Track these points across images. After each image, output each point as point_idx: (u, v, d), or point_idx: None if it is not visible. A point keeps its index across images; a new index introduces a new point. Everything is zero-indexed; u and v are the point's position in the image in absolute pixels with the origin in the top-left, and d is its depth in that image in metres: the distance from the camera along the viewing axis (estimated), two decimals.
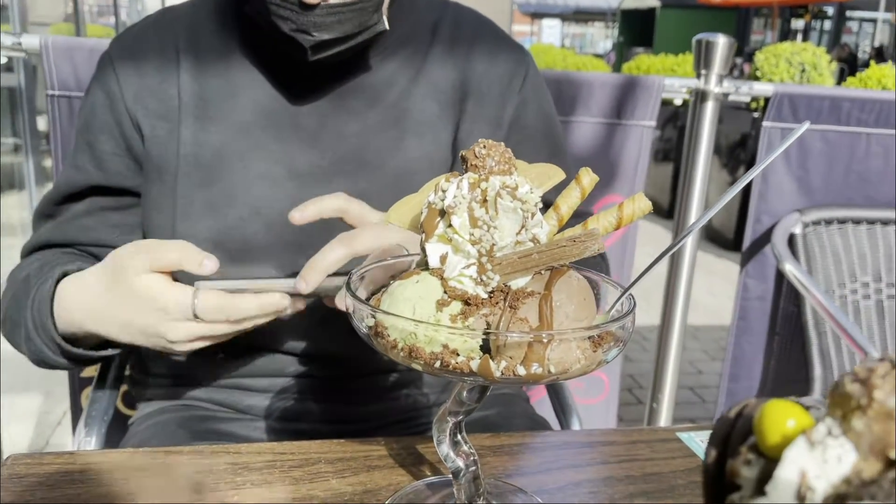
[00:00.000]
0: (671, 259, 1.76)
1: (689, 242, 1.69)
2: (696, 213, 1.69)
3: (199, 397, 0.94)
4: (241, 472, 0.64)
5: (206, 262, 0.73)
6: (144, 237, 0.91)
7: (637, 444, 0.73)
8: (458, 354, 0.48)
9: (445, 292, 0.50)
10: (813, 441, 0.21)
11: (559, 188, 0.57)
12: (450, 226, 0.50)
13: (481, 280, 0.49)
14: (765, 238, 1.78)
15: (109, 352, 0.86)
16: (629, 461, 0.69)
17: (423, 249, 0.51)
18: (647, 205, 0.52)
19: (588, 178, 0.55)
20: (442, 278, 0.50)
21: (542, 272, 0.50)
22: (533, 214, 0.51)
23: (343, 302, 0.71)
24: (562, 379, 0.48)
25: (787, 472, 0.21)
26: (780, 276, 1.77)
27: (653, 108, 1.59)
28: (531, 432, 0.74)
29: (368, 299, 0.55)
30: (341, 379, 0.91)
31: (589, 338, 0.50)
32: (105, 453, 0.67)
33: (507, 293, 0.50)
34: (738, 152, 4.71)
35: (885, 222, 1.80)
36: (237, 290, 0.73)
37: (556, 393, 1.06)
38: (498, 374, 0.47)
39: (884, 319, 1.78)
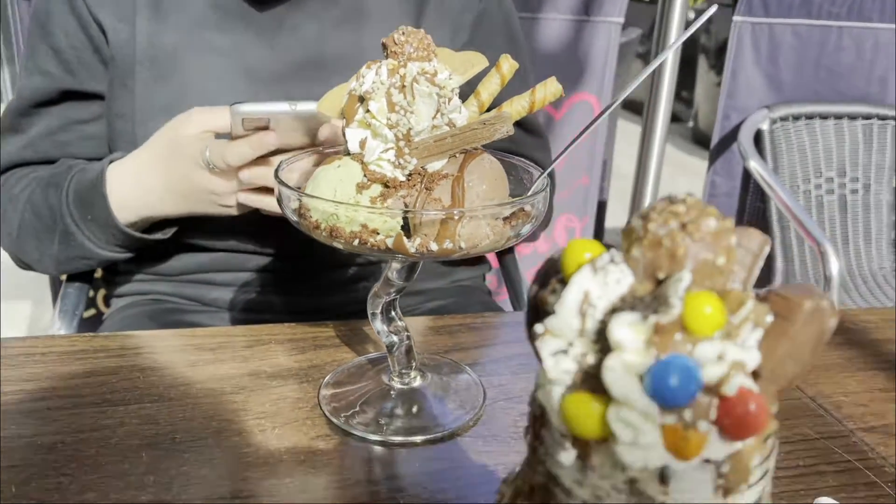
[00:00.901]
0: (640, 156, 1.78)
1: (657, 138, 1.70)
2: (664, 109, 1.70)
3: (166, 292, 0.98)
4: (195, 352, 0.69)
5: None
6: (109, 148, 0.92)
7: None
8: (377, 233, 0.51)
9: (365, 175, 0.52)
10: (596, 267, 0.25)
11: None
12: (368, 111, 0.52)
13: (399, 163, 0.52)
14: (732, 135, 1.80)
15: (159, 235, 0.88)
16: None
17: (344, 135, 0.53)
18: (557, 88, 0.54)
19: (507, 64, 0.57)
20: (362, 162, 0.53)
21: (457, 155, 0.53)
22: (450, 100, 0.53)
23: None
24: (472, 254, 0.52)
25: (572, 293, 0.25)
26: (748, 174, 1.80)
27: (621, 5, 1.58)
28: (473, 314, 0.79)
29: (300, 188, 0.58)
30: (301, 273, 0.95)
31: (503, 217, 0.53)
32: (67, 337, 0.71)
33: (424, 175, 0.53)
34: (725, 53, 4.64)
35: (851, 117, 1.82)
36: (271, 114, 0.72)
37: (512, 284, 1.11)
38: (412, 249, 0.51)
39: (846, 214, 1.82)
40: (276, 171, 0.55)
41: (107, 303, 1.41)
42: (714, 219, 0.25)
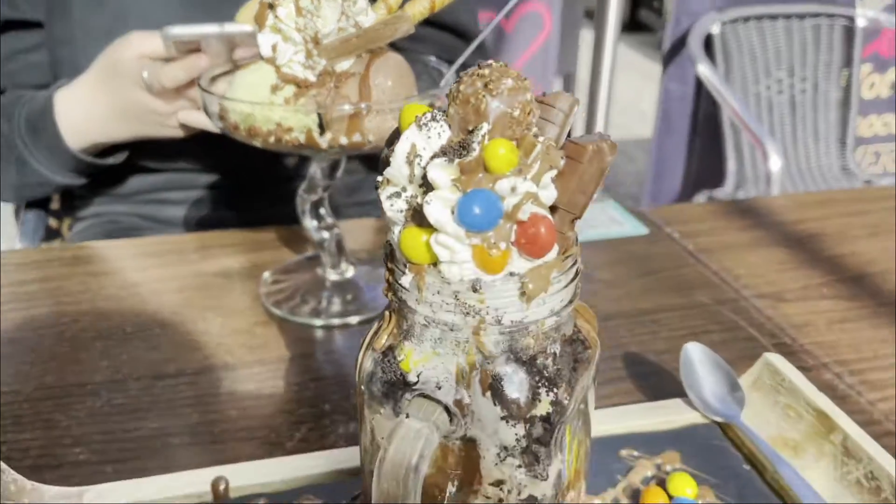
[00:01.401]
0: (593, 62, 1.80)
1: (609, 39, 1.70)
2: (616, 10, 1.69)
3: (122, 212, 1.02)
4: (146, 258, 0.74)
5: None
6: (54, 76, 0.95)
7: None
8: (292, 131, 0.56)
9: (278, 78, 0.57)
10: (420, 124, 0.30)
11: None
12: (277, 17, 0.56)
13: (309, 65, 0.56)
14: (684, 40, 1.83)
15: (111, 160, 0.90)
16: None
17: (257, 41, 0.57)
18: None
19: None
20: (275, 66, 0.57)
21: (363, 55, 0.57)
22: (355, 3, 0.57)
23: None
24: (381, 146, 0.56)
25: (402, 146, 0.30)
26: (700, 78, 1.83)
27: None
28: None
29: None
30: (249, 187, 0.99)
31: None
32: (23, 251, 0.76)
33: (333, 75, 0.57)
34: None
35: (800, 16, 1.84)
36: (200, 36, 0.72)
37: None
38: (324, 144, 0.55)
39: (794, 112, 1.87)
40: (198, 79, 0.59)
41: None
42: (511, 79, 0.30)
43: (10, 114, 0.90)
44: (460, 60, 0.61)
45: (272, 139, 0.55)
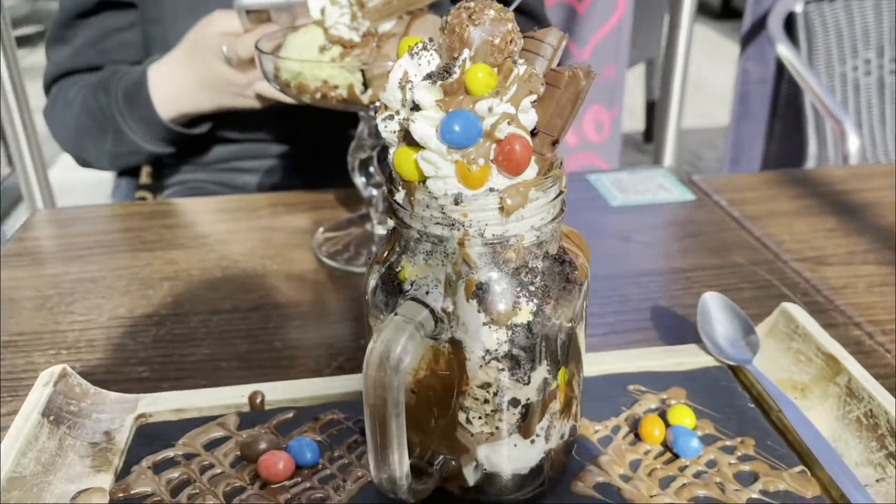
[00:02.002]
0: (668, 44, 1.78)
1: (685, 20, 1.68)
2: None
3: (203, 179, 1.10)
4: (215, 213, 0.81)
5: None
6: (146, 53, 1.03)
7: None
8: (337, 88, 0.60)
9: (326, 38, 0.61)
10: (412, 53, 0.34)
11: None
12: None
13: (353, 26, 0.61)
14: (765, 20, 1.78)
15: (197, 130, 0.98)
16: None
17: (307, 5, 0.62)
18: None
19: None
20: (323, 27, 0.61)
21: (404, 17, 0.61)
22: None
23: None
24: None
25: (395, 73, 0.34)
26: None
27: None
28: None
29: None
30: (316, 158, 1.05)
31: None
32: (109, 205, 0.84)
33: (376, 35, 0.61)
34: None
35: None
36: (270, 5, 0.78)
37: None
38: (365, 99, 0.60)
39: (883, 95, 1.80)
40: (257, 43, 0.64)
41: None
42: (493, 10, 0.33)
43: (107, 87, 0.98)
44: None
45: (318, 95, 0.60)
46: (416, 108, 0.34)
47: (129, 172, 1.18)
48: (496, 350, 0.35)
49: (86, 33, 1.03)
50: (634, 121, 3.46)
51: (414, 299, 0.35)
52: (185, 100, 0.95)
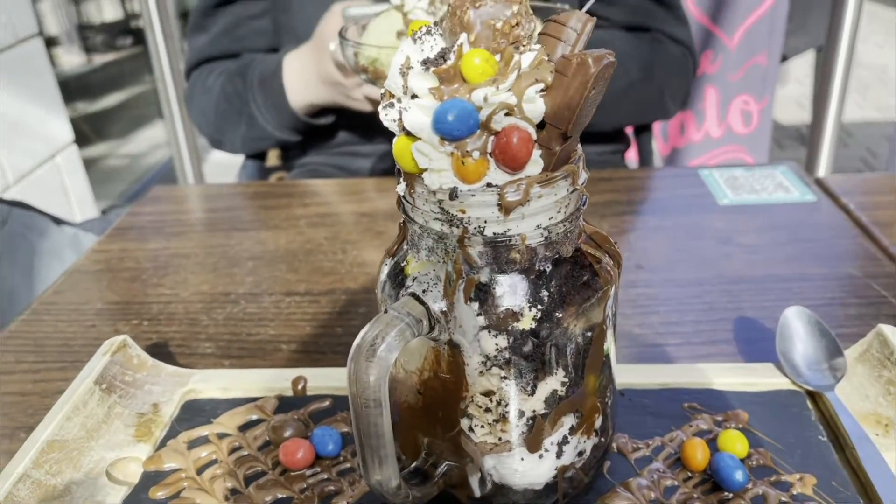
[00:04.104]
0: (831, 27, 1.63)
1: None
2: None
3: (322, 162, 1.13)
4: (309, 195, 0.83)
5: None
6: (278, 41, 1.07)
7: (656, 179, 0.81)
8: None
9: (404, 24, 0.60)
10: (415, 38, 0.32)
11: None
12: None
13: (431, 11, 0.59)
14: None
15: (323, 121, 1.02)
16: (632, 190, 0.78)
17: None
18: None
19: None
20: (402, 13, 0.60)
21: None
22: None
23: None
24: None
25: (397, 58, 0.32)
26: None
27: None
28: None
29: None
30: None
31: None
32: (226, 185, 0.88)
33: None
34: None
35: None
36: (373, 15, 0.81)
37: (643, 158, 1.13)
38: None
39: None
40: (341, 31, 0.65)
41: None
42: None
43: (244, 74, 1.03)
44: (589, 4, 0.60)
45: None
46: (415, 96, 0.32)
47: (256, 155, 1.23)
48: (496, 357, 0.33)
49: (222, 21, 1.09)
50: (803, 113, 3.21)
51: (412, 296, 0.33)
52: (310, 92, 0.97)
